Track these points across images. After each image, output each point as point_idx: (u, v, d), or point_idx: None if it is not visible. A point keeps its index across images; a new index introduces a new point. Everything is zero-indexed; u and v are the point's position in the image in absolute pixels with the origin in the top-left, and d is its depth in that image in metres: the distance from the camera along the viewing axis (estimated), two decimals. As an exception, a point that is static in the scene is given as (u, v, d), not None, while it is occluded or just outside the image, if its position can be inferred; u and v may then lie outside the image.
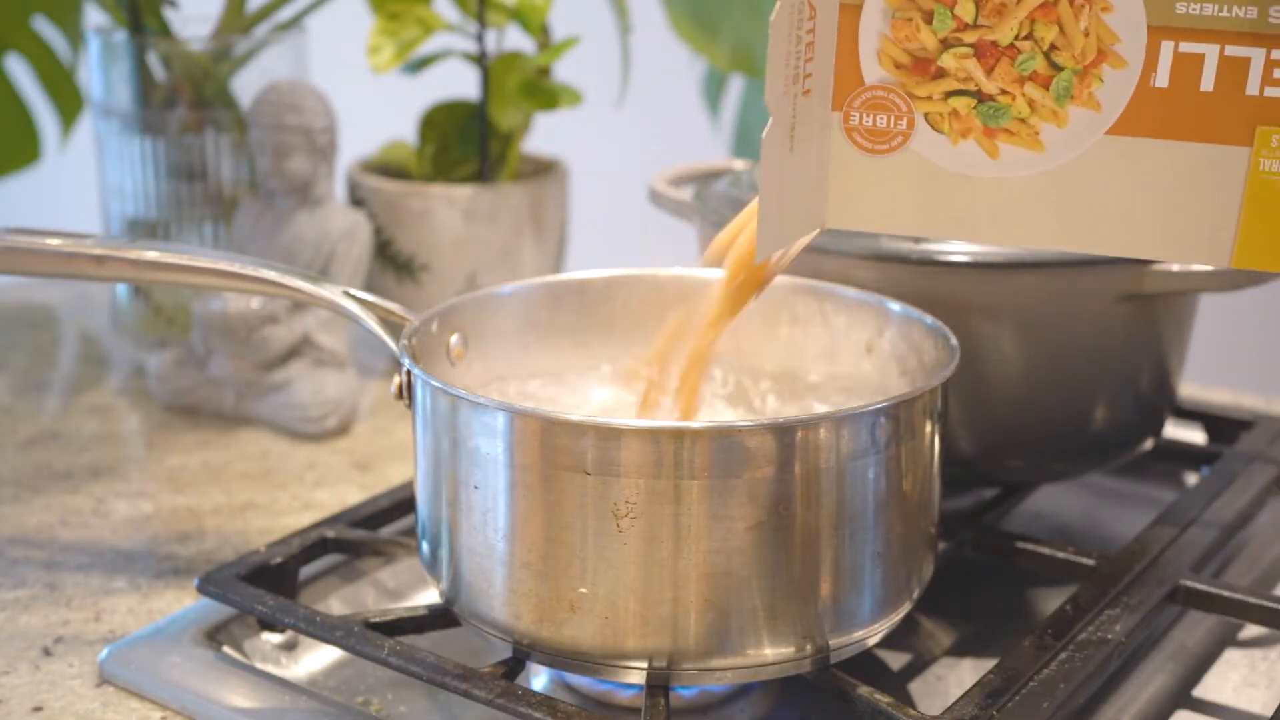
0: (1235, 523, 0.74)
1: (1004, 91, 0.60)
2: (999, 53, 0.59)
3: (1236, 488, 0.77)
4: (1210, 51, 0.57)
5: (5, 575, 0.75)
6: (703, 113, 1.68)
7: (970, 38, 0.59)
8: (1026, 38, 0.59)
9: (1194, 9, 0.57)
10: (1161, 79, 0.58)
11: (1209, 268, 0.72)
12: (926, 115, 0.61)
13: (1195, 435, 0.90)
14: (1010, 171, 0.61)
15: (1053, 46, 0.59)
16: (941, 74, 0.60)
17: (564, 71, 1.05)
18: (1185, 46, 0.57)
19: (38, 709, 0.63)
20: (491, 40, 1.01)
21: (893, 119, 0.61)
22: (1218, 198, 0.59)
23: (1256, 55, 0.57)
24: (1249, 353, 1.82)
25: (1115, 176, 0.60)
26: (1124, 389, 0.76)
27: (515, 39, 1.03)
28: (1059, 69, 0.59)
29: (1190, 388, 0.95)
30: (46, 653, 0.68)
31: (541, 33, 1.01)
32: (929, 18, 0.60)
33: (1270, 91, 0.57)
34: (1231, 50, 0.57)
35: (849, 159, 0.62)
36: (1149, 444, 0.81)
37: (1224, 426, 0.88)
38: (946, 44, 0.60)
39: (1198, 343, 0.85)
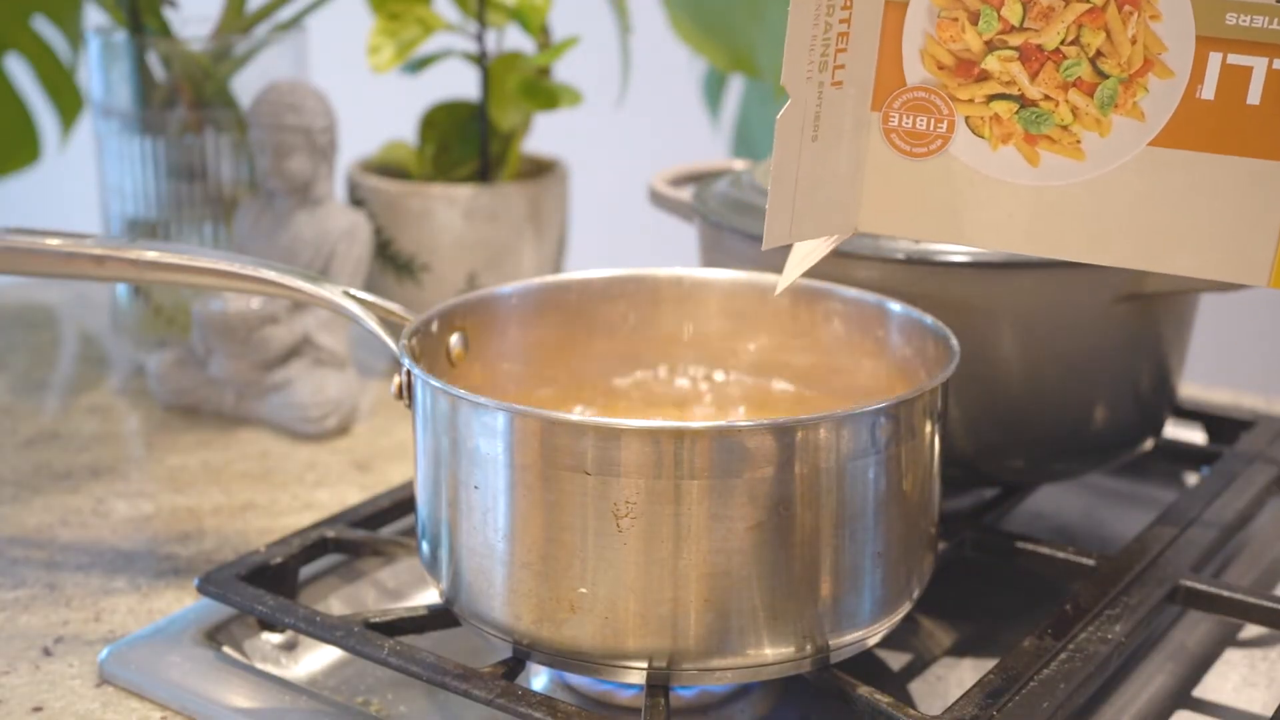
0: (1235, 523, 0.74)
1: (1047, 97, 0.59)
2: (1044, 57, 0.58)
3: (1236, 488, 0.77)
4: (1259, 64, 0.56)
5: (5, 575, 0.75)
6: (703, 113, 1.68)
7: (1016, 40, 0.58)
8: (1073, 43, 0.58)
9: (1244, 20, 0.56)
10: (1208, 91, 0.57)
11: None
12: (967, 119, 0.60)
13: (1195, 435, 0.90)
14: (1050, 180, 0.59)
15: (1099, 53, 0.58)
16: (985, 77, 0.59)
17: (564, 71, 1.05)
18: (1234, 58, 0.57)
19: (38, 709, 0.63)
20: (491, 40, 1.01)
21: (933, 121, 0.60)
22: (1259, 216, 0.57)
23: None
24: (1249, 353, 1.82)
25: (1156, 189, 0.58)
26: (1124, 389, 0.76)
27: (515, 39, 1.03)
28: (1104, 76, 0.58)
29: (1190, 388, 0.95)
30: (46, 653, 0.68)
31: (541, 33, 1.01)
32: (975, 18, 0.59)
33: None
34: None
35: (886, 161, 0.61)
36: (1149, 444, 0.81)
37: (1224, 426, 0.88)
38: (991, 46, 0.59)
39: (1198, 343, 0.85)
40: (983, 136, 0.60)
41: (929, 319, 0.67)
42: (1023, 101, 0.59)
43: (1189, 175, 0.58)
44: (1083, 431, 0.76)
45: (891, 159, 0.61)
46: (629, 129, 1.69)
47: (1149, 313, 0.75)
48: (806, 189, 0.59)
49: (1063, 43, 0.58)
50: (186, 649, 0.66)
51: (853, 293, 0.71)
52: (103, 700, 0.64)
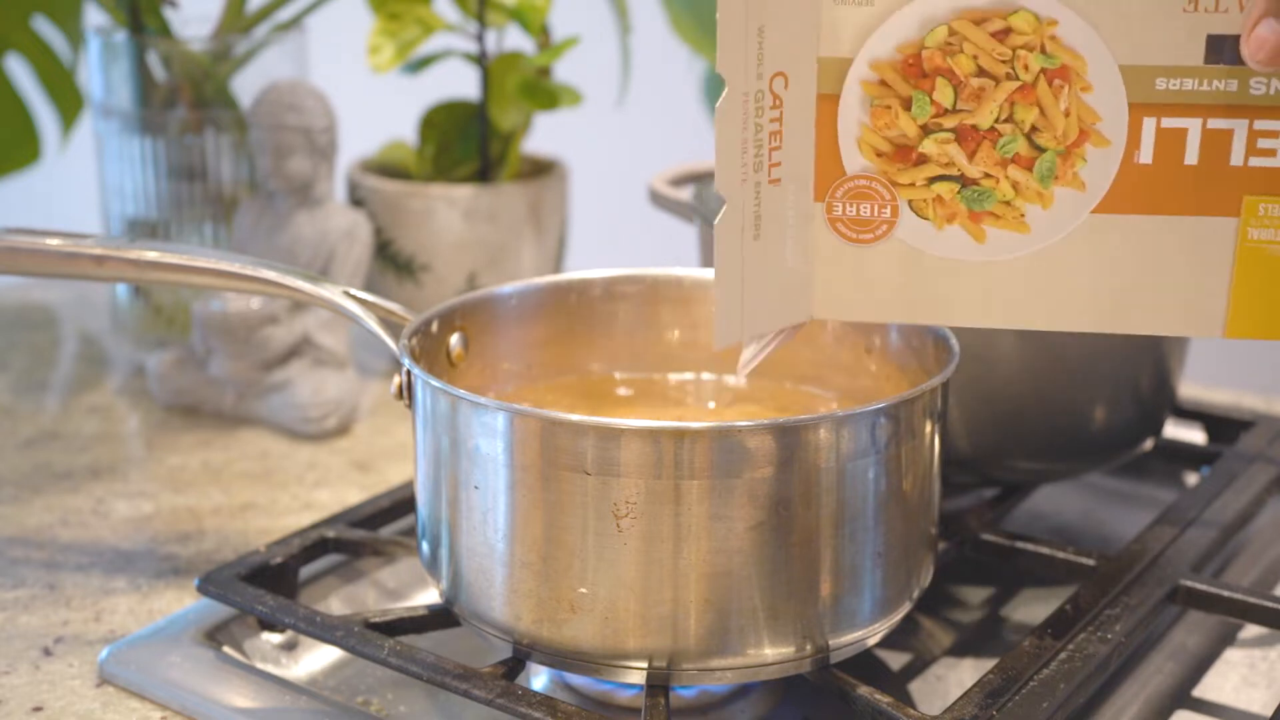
0: (1235, 523, 0.74)
1: (987, 175, 0.60)
2: (980, 136, 0.59)
3: (1236, 488, 0.77)
4: (1193, 125, 0.57)
5: (5, 575, 0.75)
6: (703, 113, 1.67)
7: (950, 123, 0.59)
8: (1007, 120, 0.59)
9: (1174, 84, 0.57)
10: (1145, 155, 0.58)
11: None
12: (910, 202, 0.61)
13: (1195, 435, 0.90)
14: (997, 255, 0.60)
15: (1034, 128, 0.59)
16: (923, 160, 0.60)
17: (564, 71, 1.05)
18: (1167, 122, 0.57)
19: (38, 709, 0.63)
20: (491, 40, 1.01)
21: (876, 207, 0.61)
22: (1208, 270, 0.59)
23: (1239, 126, 0.57)
24: (1249, 353, 1.81)
25: (1104, 254, 0.59)
26: (1124, 389, 0.76)
27: (515, 39, 1.03)
28: (1041, 150, 0.59)
29: (1190, 388, 0.95)
30: (46, 653, 0.68)
31: (541, 33, 1.01)
32: (908, 104, 0.59)
33: (1255, 161, 0.57)
34: (1214, 123, 0.57)
35: (834, 249, 0.62)
36: (1149, 444, 0.81)
37: (1224, 426, 0.88)
38: (927, 130, 0.60)
39: (1198, 343, 0.85)
40: (927, 218, 0.61)
41: (929, 319, 0.67)
42: (963, 181, 0.60)
43: (1135, 238, 0.59)
44: (1083, 431, 0.76)
45: (839, 247, 0.61)
46: (629, 129, 1.69)
47: (1149, 313, 0.75)
48: (754, 287, 0.60)
49: (997, 121, 0.59)
50: (186, 649, 0.66)
51: (853, 293, 0.71)
52: (103, 700, 0.64)
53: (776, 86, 0.58)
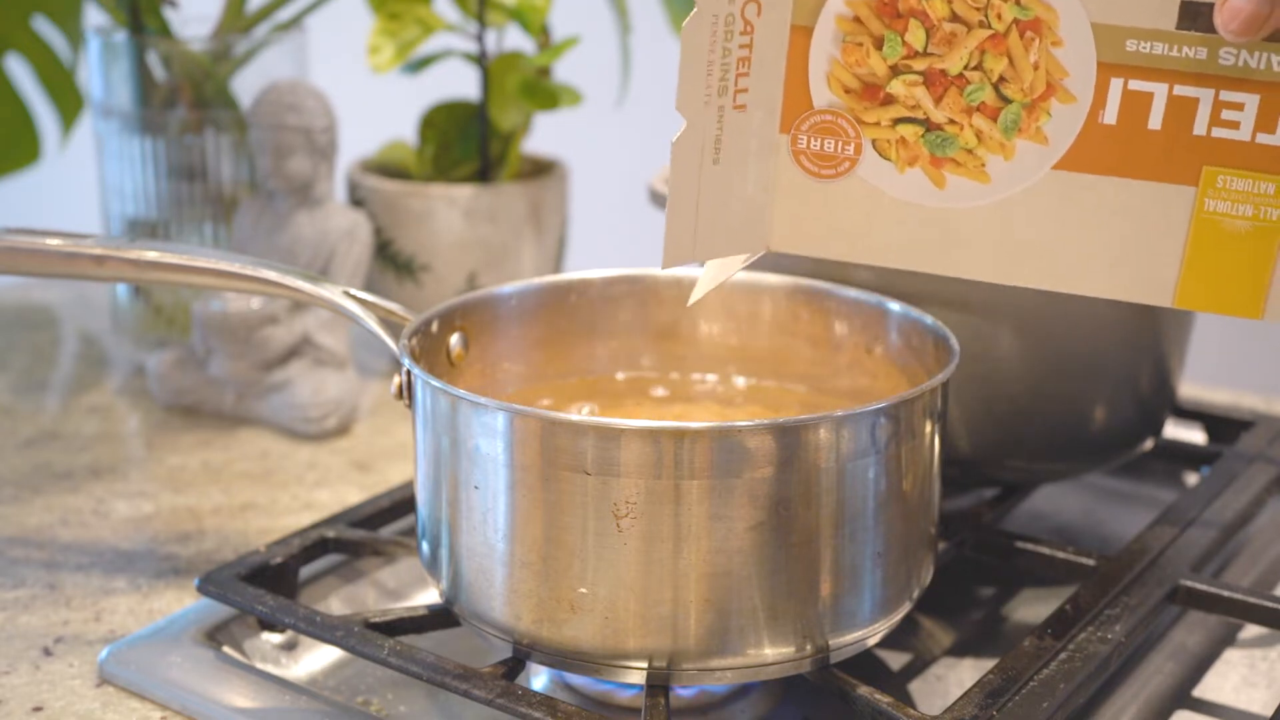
0: (1235, 523, 0.74)
1: (952, 121, 0.60)
2: (948, 82, 0.59)
3: (1236, 488, 0.77)
4: (1159, 90, 0.57)
5: (5, 575, 0.75)
6: (703, 113, 1.67)
7: (920, 65, 0.59)
8: (976, 68, 0.59)
9: (1144, 47, 0.57)
10: (1110, 116, 0.58)
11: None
12: (874, 142, 0.61)
13: (1195, 435, 0.90)
14: (956, 202, 0.60)
15: (1002, 78, 0.59)
16: (890, 100, 0.60)
17: (564, 71, 1.05)
18: (1135, 84, 0.57)
19: (38, 709, 0.63)
20: (491, 40, 1.01)
21: (840, 144, 0.61)
22: (1163, 237, 0.59)
23: (1205, 96, 0.57)
24: (1249, 353, 1.82)
25: (1060, 212, 0.59)
26: (1124, 389, 0.76)
27: (515, 39, 1.03)
28: (1007, 101, 0.59)
29: (1190, 388, 0.95)
30: (46, 653, 0.68)
31: (541, 33, 1.01)
32: (879, 43, 0.60)
33: (1217, 132, 0.57)
34: (1180, 90, 0.57)
35: (795, 182, 0.62)
36: (1149, 444, 0.81)
37: (1224, 426, 0.88)
38: (896, 70, 0.60)
39: (1198, 343, 0.85)
40: (889, 159, 0.61)
41: (929, 319, 0.67)
42: (928, 125, 0.60)
43: (1092, 198, 0.59)
44: (1083, 431, 0.76)
45: (801, 180, 0.62)
46: (629, 129, 1.69)
47: (1149, 313, 0.75)
48: (709, 211, 0.60)
49: (966, 68, 0.59)
50: (186, 649, 0.66)
51: (853, 293, 0.71)
52: (103, 700, 0.64)
53: (749, 13, 0.58)
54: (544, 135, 1.16)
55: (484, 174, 1.03)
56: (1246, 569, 0.78)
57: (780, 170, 0.62)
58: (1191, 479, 0.88)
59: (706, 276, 0.63)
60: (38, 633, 0.69)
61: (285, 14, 1.04)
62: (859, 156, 0.61)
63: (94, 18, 1.12)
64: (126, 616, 0.71)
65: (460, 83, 1.10)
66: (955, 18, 0.58)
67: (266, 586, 0.68)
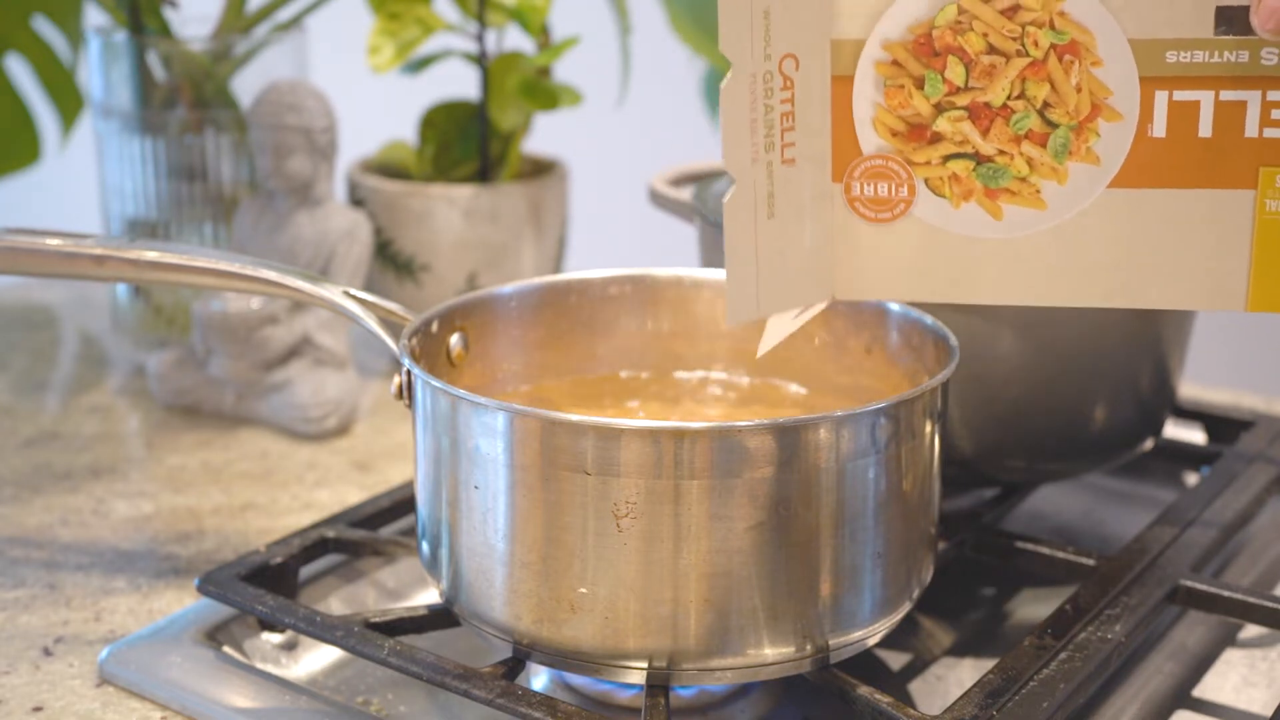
0: (1235, 523, 0.74)
1: (1002, 152, 0.60)
2: (993, 114, 0.59)
3: (1236, 488, 0.77)
4: (1205, 98, 0.57)
5: (5, 575, 0.75)
6: (703, 113, 1.67)
7: (963, 100, 0.59)
8: (1019, 97, 0.59)
9: (1185, 57, 0.57)
10: (1159, 129, 0.58)
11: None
12: (927, 180, 0.61)
13: (1195, 435, 0.90)
14: (1015, 231, 0.60)
15: (1046, 104, 0.59)
16: (938, 138, 0.60)
17: (564, 71, 1.05)
18: (1180, 95, 0.57)
19: (38, 709, 0.63)
20: (491, 40, 1.01)
21: (894, 187, 0.61)
22: (1227, 243, 0.58)
23: (1252, 98, 0.57)
24: (1249, 353, 1.82)
25: (1121, 229, 0.59)
26: (1124, 389, 0.76)
27: (515, 39, 1.03)
28: (1054, 126, 0.59)
29: (1190, 388, 0.95)
30: (46, 653, 0.68)
31: (541, 33, 1.01)
32: (920, 84, 0.60)
33: (1270, 132, 0.57)
34: (1227, 95, 0.57)
35: (853, 229, 0.62)
36: (1149, 444, 0.81)
37: (1224, 426, 0.88)
38: (940, 108, 0.60)
39: (1198, 343, 0.85)
40: (944, 196, 0.61)
41: (929, 319, 0.67)
42: (978, 158, 0.60)
43: (1151, 212, 0.59)
44: (1083, 431, 0.76)
45: (858, 226, 0.62)
46: (629, 129, 1.69)
47: (1149, 313, 0.75)
48: (769, 265, 0.60)
49: (1009, 98, 0.59)
50: (186, 649, 0.66)
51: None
52: (103, 700, 0.64)
53: (786, 68, 0.59)
54: (544, 135, 1.16)
55: (484, 174, 1.03)
56: (1246, 569, 0.78)
57: (837, 219, 0.62)
58: (1191, 479, 0.88)
59: (771, 330, 0.63)
60: (38, 633, 0.69)
61: (285, 14, 1.04)
62: (913, 197, 0.61)
63: (94, 18, 1.12)
64: (126, 616, 0.71)
65: (460, 83, 1.10)
66: (992, 50, 0.59)
67: (266, 586, 0.68)
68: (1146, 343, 0.76)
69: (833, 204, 0.62)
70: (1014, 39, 0.58)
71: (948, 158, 0.60)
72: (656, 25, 1.31)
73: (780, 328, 0.63)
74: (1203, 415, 0.89)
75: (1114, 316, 0.73)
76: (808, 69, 0.59)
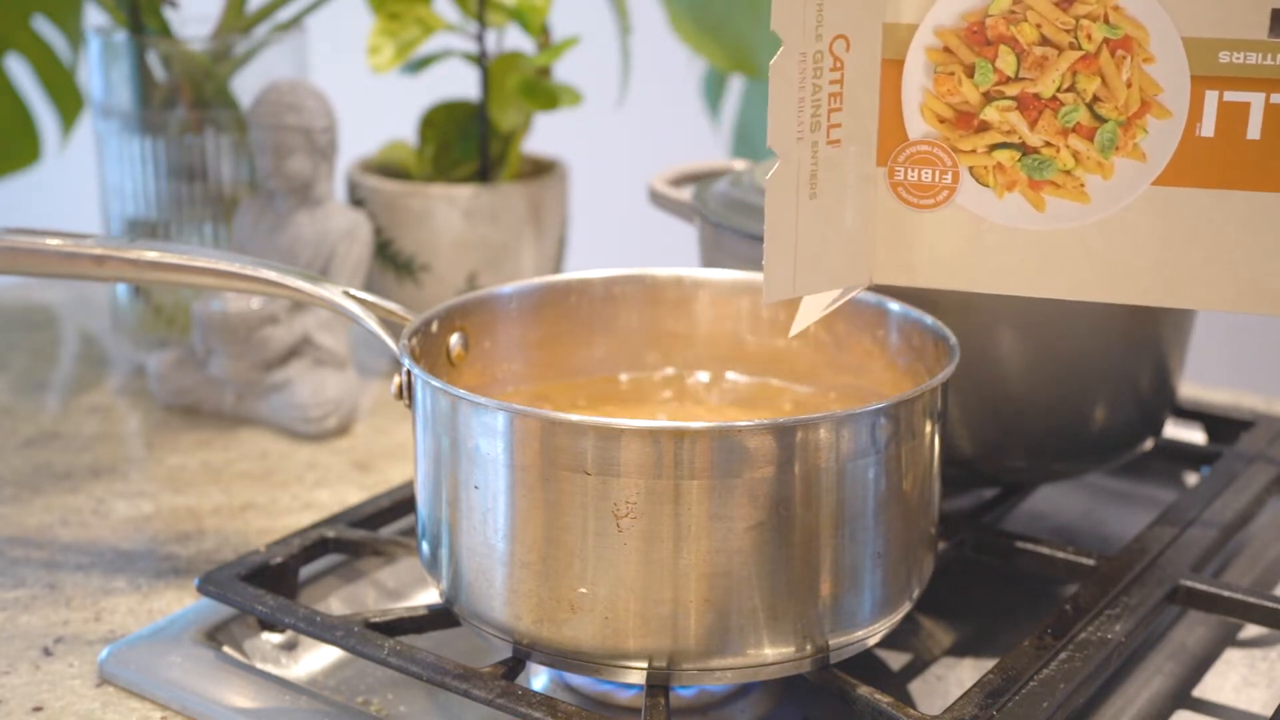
0: (1235, 523, 0.74)
1: (1048, 144, 0.60)
2: (1042, 105, 0.59)
3: (1236, 488, 0.77)
4: (1256, 99, 0.57)
5: (5, 575, 0.75)
6: (703, 113, 1.68)
7: (1012, 90, 0.59)
8: (1069, 90, 0.59)
9: (1238, 57, 0.57)
10: (1207, 128, 0.58)
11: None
12: (971, 169, 0.61)
13: (1195, 435, 0.90)
14: (1056, 224, 0.60)
15: (1095, 98, 0.59)
16: (985, 127, 0.60)
17: (564, 71, 1.05)
18: (1230, 95, 0.57)
19: (38, 709, 0.63)
20: (491, 40, 1.01)
21: (938, 173, 0.61)
22: (1270, 246, 0.58)
23: None
24: (1249, 353, 1.82)
25: (1164, 227, 0.59)
26: (1124, 389, 0.76)
27: (515, 39, 1.03)
28: (1103, 120, 0.59)
29: (1190, 388, 0.95)
30: (46, 653, 0.68)
31: (541, 33, 1.01)
32: (970, 71, 0.60)
33: None
34: (1277, 98, 0.57)
35: (894, 213, 0.62)
36: (1149, 444, 0.81)
37: (1224, 426, 0.88)
38: (989, 97, 0.60)
39: (1198, 343, 0.85)
40: (988, 185, 0.61)
41: (929, 319, 0.67)
42: (1024, 149, 0.60)
43: (1195, 212, 0.59)
44: (1083, 431, 0.76)
45: (900, 211, 0.62)
46: (629, 129, 1.69)
47: (1149, 313, 0.75)
48: (809, 245, 0.60)
49: (1059, 90, 0.59)
50: (186, 649, 0.66)
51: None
52: (103, 700, 0.64)
53: (837, 49, 0.59)
54: (544, 135, 1.16)
55: (484, 174, 1.03)
56: (1246, 569, 0.78)
57: (879, 202, 0.62)
58: (1191, 479, 0.88)
59: (806, 309, 0.63)
60: (38, 633, 0.69)
61: (285, 14, 1.04)
62: (957, 185, 0.61)
63: (94, 18, 1.12)
64: (126, 616, 0.71)
65: (460, 83, 1.10)
66: (1045, 41, 0.59)
67: (266, 586, 0.68)
68: (1146, 343, 0.76)
69: (875, 187, 0.61)
70: (1067, 31, 0.58)
71: (994, 147, 0.60)
72: (656, 25, 1.31)
73: (815, 308, 0.63)
74: (1203, 415, 0.89)
75: (1114, 317, 0.73)
76: (858, 51, 0.59)
